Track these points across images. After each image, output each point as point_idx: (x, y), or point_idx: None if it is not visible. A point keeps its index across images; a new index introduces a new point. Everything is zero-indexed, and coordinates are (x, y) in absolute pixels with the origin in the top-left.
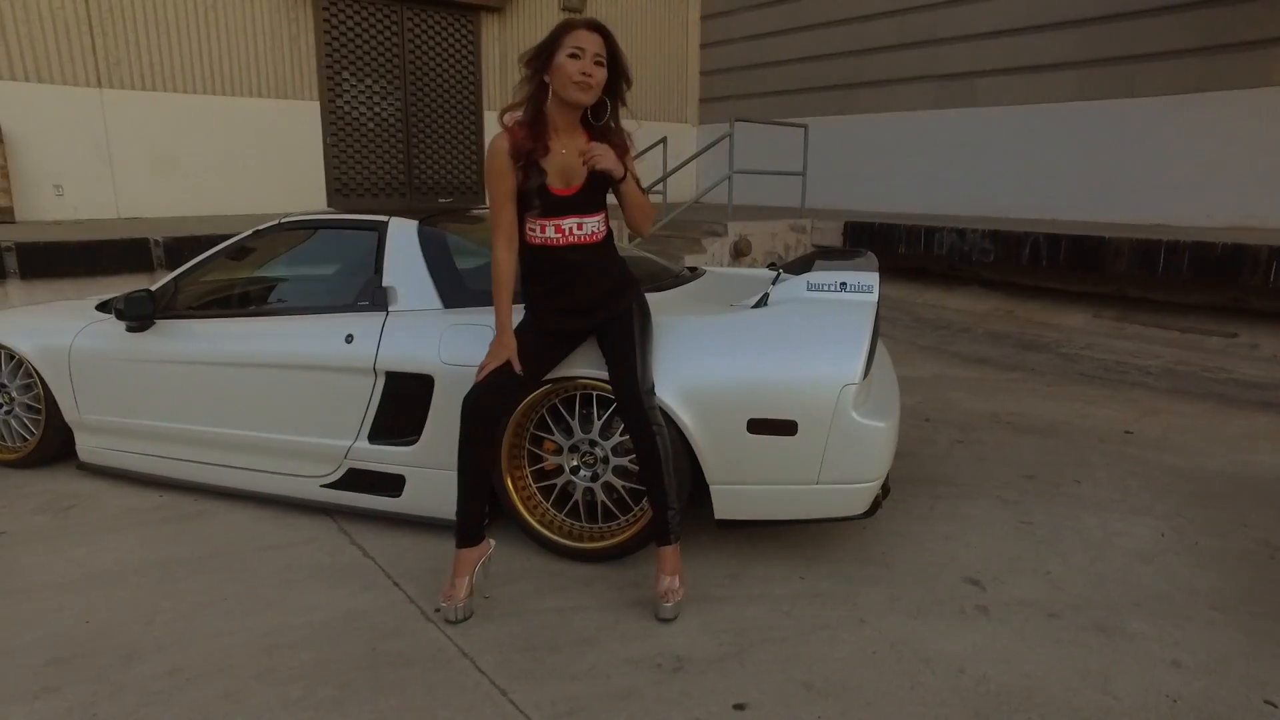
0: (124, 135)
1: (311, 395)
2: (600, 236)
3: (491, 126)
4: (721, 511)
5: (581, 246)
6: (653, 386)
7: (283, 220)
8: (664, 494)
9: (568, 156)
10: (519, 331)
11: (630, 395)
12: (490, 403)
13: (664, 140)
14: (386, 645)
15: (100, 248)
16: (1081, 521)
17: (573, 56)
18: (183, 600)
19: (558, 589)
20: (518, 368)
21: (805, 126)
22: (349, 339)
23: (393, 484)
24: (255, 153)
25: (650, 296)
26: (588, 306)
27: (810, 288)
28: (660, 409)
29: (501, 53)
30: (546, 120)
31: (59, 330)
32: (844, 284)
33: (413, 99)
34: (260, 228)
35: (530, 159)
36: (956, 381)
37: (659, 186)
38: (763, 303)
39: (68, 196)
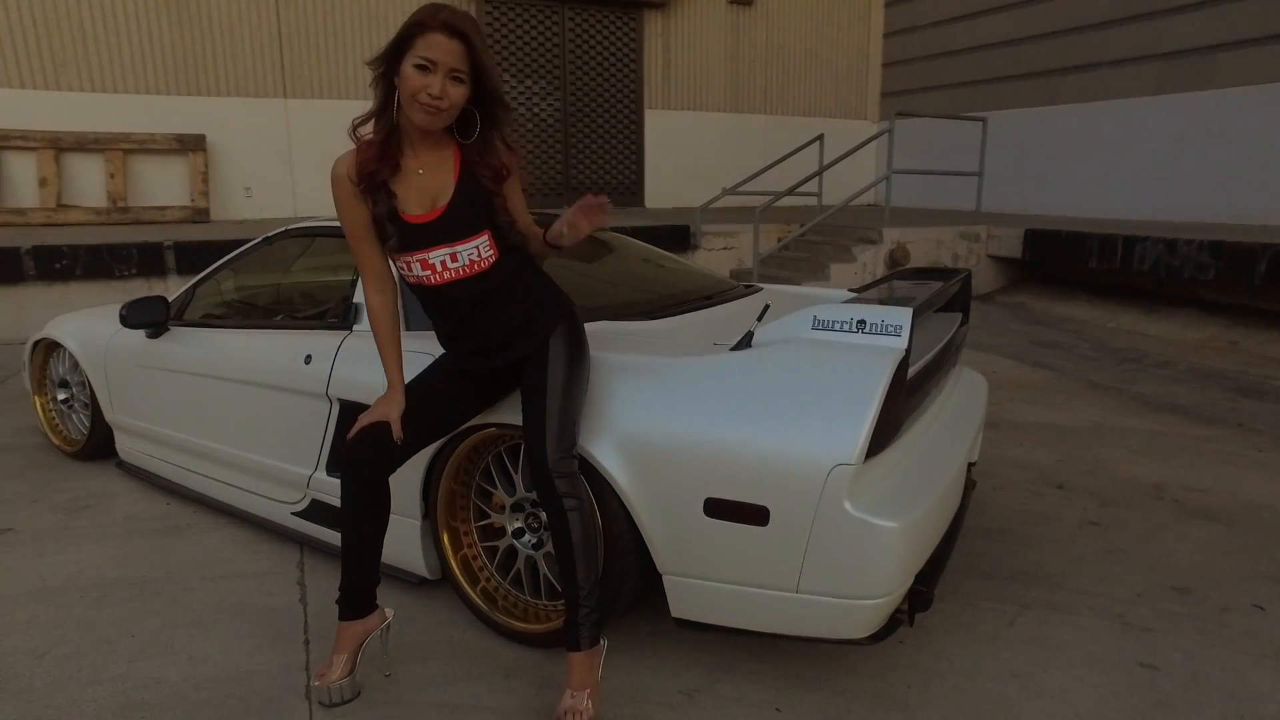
0: (303, 140)
1: (276, 417)
2: (489, 263)
3: (654, 126)
4: (678, 609)
5: (466, 281)
6: (572, 447)
7: (289, 227)
8: (575, 586)
9: (426, 176)
10: (430, 370)
11: (536, 458)
12: (369, 458)
13: (820, 138)
14: None
15: (239, 245)
16: (1243, 677)
17: (420, 68)
18: (93, 632)
19: (471, 677)
20: (397, 433)
21: (984, 120)
22: (308, 359)
23: None
24: None
25: (633, 325)
26: (495, 346)
27: (817, 325)
28: (597, 471)
29: (664, 50)
30: (400, 133)
31: (101, 330)
32: (862, 323)
33: (571, 99)
34: (270, 234)
35: (374, 180)
36: (1123, 434)
37: (809, 186)
38: (745, 343)
39: (255, 198)
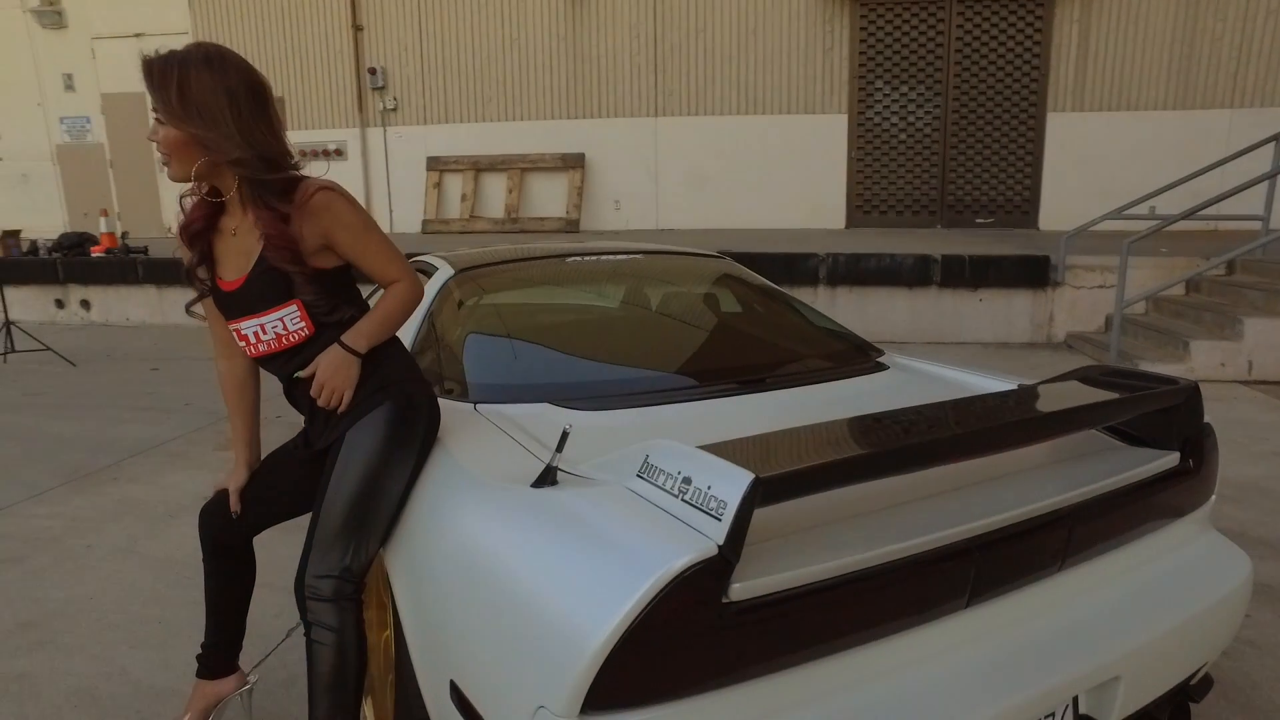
0: (669, 156)
1: None
2: (301, 336)
3: (1058, 132)
4: None
5: (278, 356)
6: (342, 567)
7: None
8: None
9: (240, 237)
10: (291, 441)
11: (297, 571)
12: (209, 526)
13: (1276, 138)
14: None
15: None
16: None
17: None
18: (147, 609)
19: None
20: (234, 507)
21: None
22: None
23: None
24: (778, 169)
25: (581, 415)
26: (319, 428)
27: (644, 471)
28: (387, 596)
29: (1080, 39)
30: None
31: None
32: (688, 482)
33: (954, 105)
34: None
35: (195, 242)
36: None
37: (1236, 205)
38: (547, 479)
39: (622, 211)
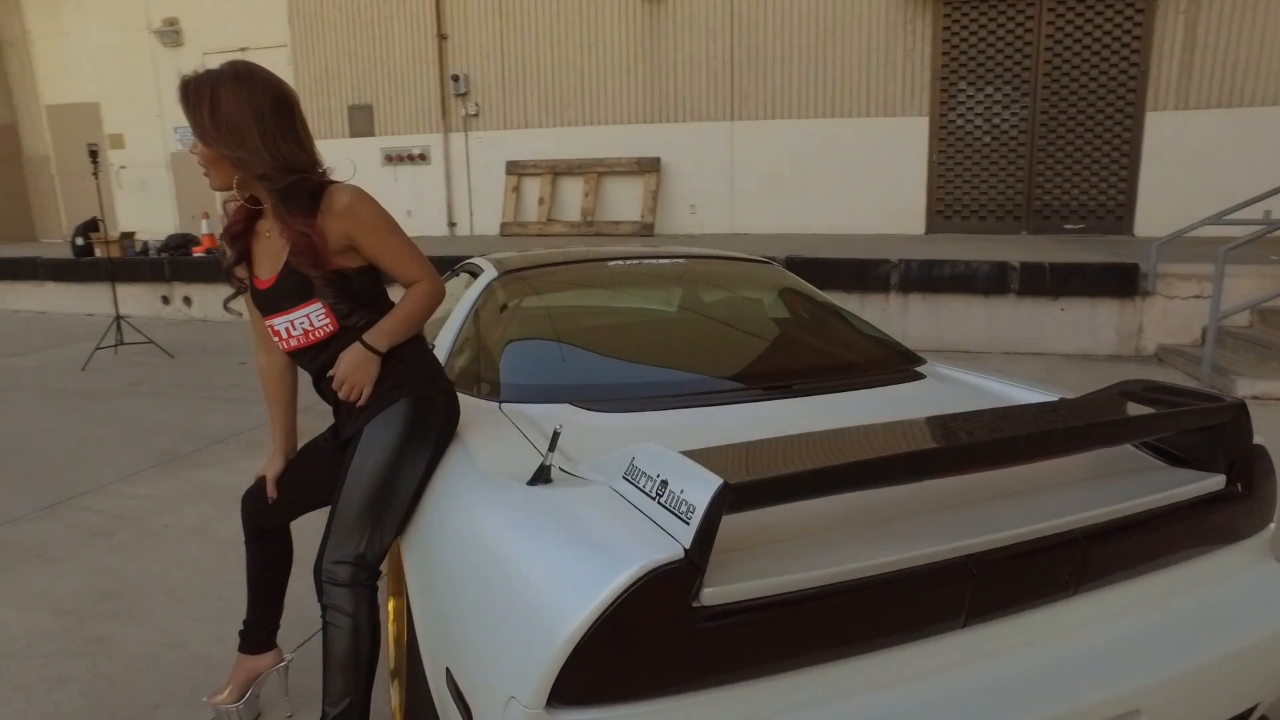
0: (745, 160)
1: None
2: (325, 333)
3: (1158, 132)
4: None
5: (306, 350)
6: (357, 554)
7: (464, 263)
8: (322, 709)
9: (273, 238)
10: (323, 434)
11: (318, 555)
12: (249, 509)
13: None
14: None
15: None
16: None
17: None
18: (211, 586)
19: None
20: (271, 494)
21: None
22: None
23: None
24: (855, 173)
25: (593, 417)
26: (344, 420)
27: (629, 474)
28: (402, 585)
29: (1186, 33)
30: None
31: None
32: (665, 485)
33: (1043, 105)
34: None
35: (235, 243)
36: None
37: None
38: (541, 478)
39: (698, 215)
